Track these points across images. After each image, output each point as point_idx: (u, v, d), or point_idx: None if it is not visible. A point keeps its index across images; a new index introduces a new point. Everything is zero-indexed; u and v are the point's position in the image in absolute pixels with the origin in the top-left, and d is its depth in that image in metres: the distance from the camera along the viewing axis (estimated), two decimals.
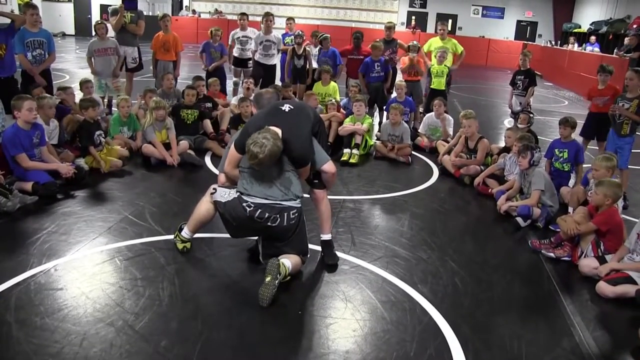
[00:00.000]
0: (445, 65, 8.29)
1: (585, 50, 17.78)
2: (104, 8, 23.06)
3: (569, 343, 3.11)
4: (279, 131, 3.36)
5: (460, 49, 8.94)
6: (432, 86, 8.35)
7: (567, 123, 5.74)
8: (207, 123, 6.92)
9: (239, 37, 8.76)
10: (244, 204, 3.42)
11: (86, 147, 5.54)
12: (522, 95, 8.03)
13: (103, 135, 5.76)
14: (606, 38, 17.66)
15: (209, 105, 7.20)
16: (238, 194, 3.48)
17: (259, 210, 3.40)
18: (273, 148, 3.21)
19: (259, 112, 3.74)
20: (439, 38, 8.99)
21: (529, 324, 3.29)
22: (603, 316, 3.47)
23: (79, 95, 7.17)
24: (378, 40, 8.49)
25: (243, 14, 8.99)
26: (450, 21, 25.71)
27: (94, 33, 8.12)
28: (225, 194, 3.54)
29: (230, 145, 3.66)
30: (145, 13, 9.27)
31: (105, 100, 7.83)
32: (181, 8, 27.77)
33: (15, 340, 2.72)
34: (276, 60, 8.88)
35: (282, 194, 3.43)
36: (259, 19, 9.51)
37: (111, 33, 8.19)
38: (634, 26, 15.62)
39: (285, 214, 3.43)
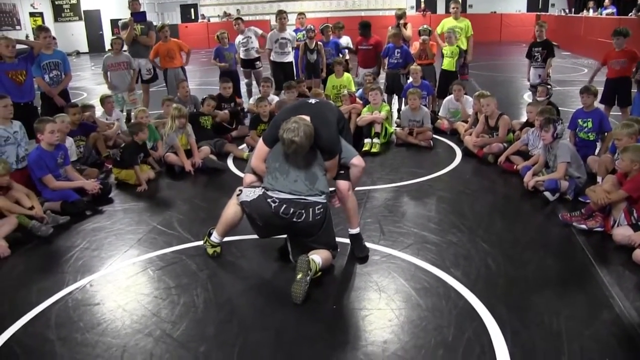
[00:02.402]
0: (457, 46, 8.17)
1: (601, 14, 17.37)
2: (114, 23, 23.33)
3: (609, 315, 3.05)
4: (307, 118, 3.43)
5: (471, 31, 8.68)
6: (442, 67, 8.26)
7: (588, 92, 5.63)
8: (223, 114, 7.35)
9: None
10: (269, 200, 3.43)
11: (131, 165, 5.57)
12: (541, 67, 7.87)
13: (142, 156, 5.84)
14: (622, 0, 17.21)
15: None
16: (263, 190, 3.50)
17: (284, 206, 3.40)
18: (306, 129, 3.30)
19: (286, 106, 3.91)
20: (452, 18, 8.79)
21: (566, 299, 3.24)
22: None
23: (99, 111, 7.31)
24: (393, 26, 8.47)
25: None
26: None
27: (110, 48, 8.30)
28: (250, 193, 3.56)
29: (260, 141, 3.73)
30: (155, 23, 9.36)
31: (124, 114, 7.95)
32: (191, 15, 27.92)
33: (59, 357, 2.79)
34: (291, 57, 8.90)
35: (307, 189, 3.44)
36: (267, 17, 9.49)
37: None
38: None
39: (311, 210, 3.42)
